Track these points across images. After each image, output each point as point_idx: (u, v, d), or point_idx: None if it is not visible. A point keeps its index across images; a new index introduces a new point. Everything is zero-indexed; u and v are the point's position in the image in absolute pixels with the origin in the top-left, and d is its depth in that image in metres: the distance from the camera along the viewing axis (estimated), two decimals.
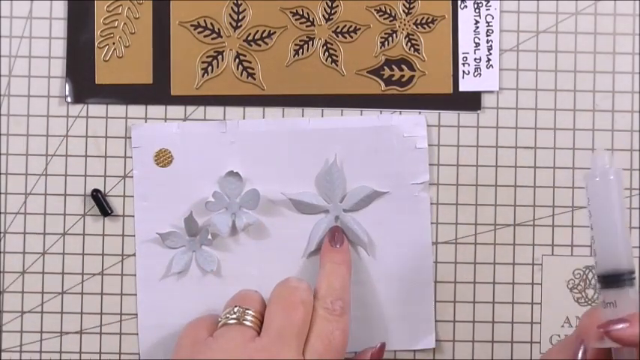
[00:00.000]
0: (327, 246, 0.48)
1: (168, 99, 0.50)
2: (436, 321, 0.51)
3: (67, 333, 0.50)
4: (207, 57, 0.50)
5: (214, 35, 0.50)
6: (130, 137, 0.50)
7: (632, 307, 0.38)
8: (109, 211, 0.50)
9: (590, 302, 0.51)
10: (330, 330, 0.44)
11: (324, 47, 0.51)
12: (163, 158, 0.50)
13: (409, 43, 0.51)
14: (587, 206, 0.40)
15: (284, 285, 0.45)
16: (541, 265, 0.51)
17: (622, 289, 0.39)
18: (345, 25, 0.51)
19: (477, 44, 0.51)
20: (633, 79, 0.51)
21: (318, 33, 0.51)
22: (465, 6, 0.51)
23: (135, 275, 0.50)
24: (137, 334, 0.50)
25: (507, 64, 0.51)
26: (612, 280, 0.39)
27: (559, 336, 0.51)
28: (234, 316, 0.44)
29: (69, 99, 0.50)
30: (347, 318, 0.45)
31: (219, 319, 0.45)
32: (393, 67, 0.51)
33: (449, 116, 0.51)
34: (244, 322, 0.43)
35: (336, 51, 0.51)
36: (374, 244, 0.50)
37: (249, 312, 0.44)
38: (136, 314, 0.50)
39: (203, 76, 0.50)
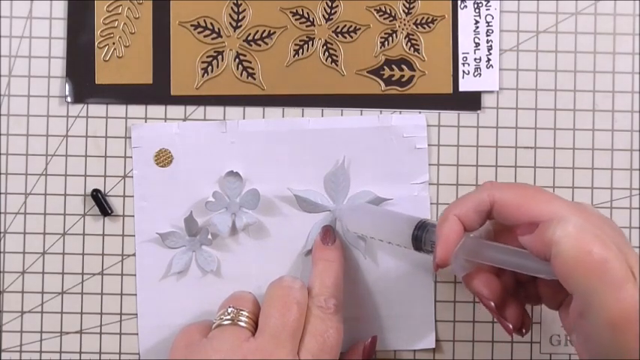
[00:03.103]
0: (319, 244, 0.48)
1: (169, 99, 0.50)
2: (436, 321, 0.51)
3: (67, 333, 0.50)
4: (207, 57, 0.50)
5: (214, 35, 0.50)
6: (130, 137, 0.50)
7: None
8: (109, 211, 0.50)
9: None
10: (325, 329, 0.44)
11: (324, 47, 0.51)
12: (163, 158, 0.50)
13: (409, 43, 0.51)
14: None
15: (278, 285, 0.45)
16: None
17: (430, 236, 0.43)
18: (345, 25, 0.51)
19: (477, 44, 0.51)
20: (633, 79, 0.51)
21: (318, 33, 0.51)
22: (465, 6, 0.51)
23: (135, 275, 0.50)
24: (137, 334, 0.50)
25: (507, 64, 0.51)
26: (418, 235, 0.44)
27: (559, 336, 0.51)
28: (228, 317, 0.44)
29: (69, 99, 0.50)
30: (340, 316, 0.45)
31: (214, 321, 0.45)
32: (393, 67, 0.51)
33: (449, 116, 0.51)
34: (239, 322, 0.43)
35: (336, 51, 0.51)
36: (374, 244, 0.50)
37: (244, 312, 0.44)
38: (136, 314, 0.50)
39: (203, 76, 0.50)
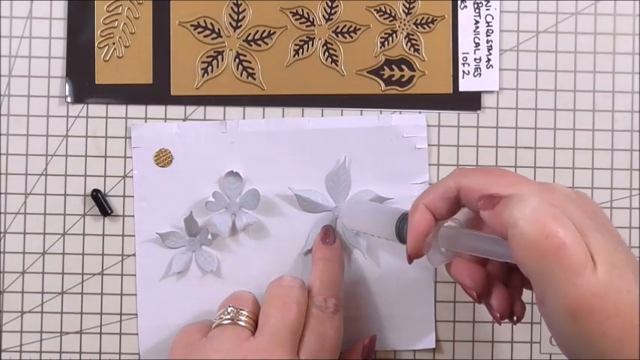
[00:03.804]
0: (318, 243, 0.48)
1: (169, 99, 0.50)
2: (436, 321, 0.51)
3: (67, 333, 0.50)
4: (207, 57, 0.50)
5: (214, 35, 0.50)
6: (130, 137, 0.50)
7: None
8: (109, 211, 0.50)
9: None
10: (324, 328, 0.44)
11: (324, 47, 0.51)
12: (163, 158, 0.50)
13: (409, 43, 0.51)
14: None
15: (278, 284, 0.45)
16: None
17: None
18: (345, 25, 0.51)
19: (477, 44, 0.51)
20: (633, 79, 0.51)
21: (318, 33, 0.51)
22: (465, 6, 0.51)
23: (135, 275, 0.50)
24: (137, 334, 0.50)
25: (507, 64, 0.51)
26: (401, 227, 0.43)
27: None
28: (228, 316, 0.44)
29: (69, 99, 0.50)
30: (340, 315, 0.45)
31: (214, 320, 0.45)
32: (393, 67, 0.51)
33: (449, 116, 0.51)
34: (238, 322, 0.43)
35: (336, 51, 0.51)
36: (374, 244, 0.50)
37: (243, 312, 0.44)
38: (136, 314, 0.50)
39: (203, 76, 0.50)
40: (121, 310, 0.50)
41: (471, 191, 0.38)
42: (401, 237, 0.43)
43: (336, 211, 0.50)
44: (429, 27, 0.51)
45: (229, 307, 0.44)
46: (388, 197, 0.49)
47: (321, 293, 0.45)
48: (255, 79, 0.50)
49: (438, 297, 0.51)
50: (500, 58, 0.51)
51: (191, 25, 0.50)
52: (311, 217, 0.50)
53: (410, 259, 0.40)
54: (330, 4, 0.51)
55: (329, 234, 0.48)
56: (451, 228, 0.41)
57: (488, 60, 0.51)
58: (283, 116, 0.51)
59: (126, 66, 0.50)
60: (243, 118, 0.51)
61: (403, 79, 0.51)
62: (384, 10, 0.51)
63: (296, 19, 0.51)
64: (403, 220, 0.43)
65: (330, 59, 0.51)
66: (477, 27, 0.51)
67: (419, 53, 0.51)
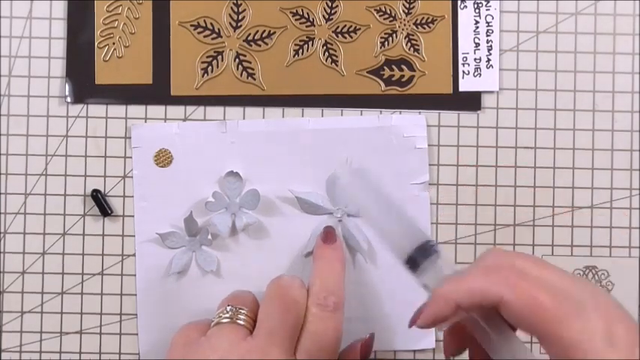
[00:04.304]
0: (320, 243, 0.47)
1: (169, 99, 0.50)
2: None
3: (67, 333, 0.50)
4: (207, 57, 0.50)
5: (214, 35, 0.50)
6: (130, 137, 0.50)
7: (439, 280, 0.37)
8: (109, 211, 0.50)
9: None
10: (323, 328, 0.43)
11: (324, 47, 0.51)
12: (163, 158, 0.50)
13: (409, 43, 0.51)
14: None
15: (277, 283, 0.45)
16: None
17: (428, 265, 0.38)
18: (345, 25, 0.51)
19: (477, 44, 0.51)
20: (633, 79, 0.51)
21: (318, 33, 0.51)
22: (465, 6, 0.51)
23: (135, 275, 0.50)
24: (137, 334, 0.50)
25: (507, 64, 0.51)
26: (415, 259, 0.38)
27: None
28: (227, 315, 0.44)
29: (69, 99, 0.50)
30: (340, 315, 0.44)
31: (213, 319, 0.45)
32: (393, 67, 0.51)
33: (449, 116, 0.51)
34: (237, 321, 0.43)
35: (336, 51, 0.51)
36: (375, 244, 0.50)
37: (243, 311, 0.44)
38: (136, 314, 0.50)
39: (203, 76, 0.50)
40: (120, 310, 0.50)
41: (516, 317, 0.35)
42: (410, 265, 0.39)
43: (337, 214, 0.50)
44: (429, 27, 0.51)
45: (228, 306, 0.44)
46: None
47: (322, 291, 0.44)
48: (255, 79, 0.50)
49: None
50: (500, 58, 0.51)
51: (191, 25, 0.50)
52: (311, 218, 0.50)
53: (412, 325, 0.38)
54: (330, 4, 0.51)
55: (331, 235, 0.48)
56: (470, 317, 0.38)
57: (488, 60, 0.51)
58: (283, 116, 0.51)
59: (126, 66, 0.50)
60: (243, 118, 0.51)
61: (403, 79, 0.51)
62: (384, 10, 0.51)
63: (296, 19, 0.51)
64: (423, 252, 0.38)
65: (330, 59, 0.51)
66: (477, 27, 0.51)
67: (419, 53, 0.51)
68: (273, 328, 0.42)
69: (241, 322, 0.43)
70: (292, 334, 0.42)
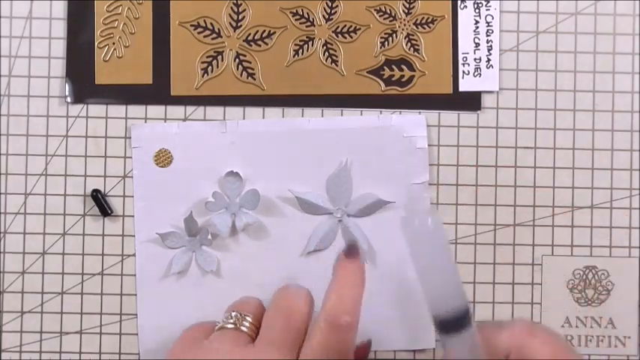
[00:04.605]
0: (342, 257, 0.43)
1: (168, 99, 0.50)
2: None
3: (67, 333, 0.50)
4: (207, 57, 0.50)
5: (214, 35, 0.50)
6: (130, 137, 0.50)
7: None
8: (109, 211, 0.50)
9: (590, 302, 0.51)
10: (328, 343, 0.40)
11: (324, 47, 0.51)
12: (163, 158, 0.50)
13: (409, 43, 0.51)
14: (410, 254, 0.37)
15: (282, 293, 0.44)
16: (541, 265, 0.51)
17: (461, 333, 0.37)
18: (345, 25, 0.51)
19: (477, 44, 0.51)
20: (633, 79, 0.51)
21: (318, 33, 0.51)
22: (465, 6, 0.51)
23: (135, 275, 0.50)
24: (137, 334, 0.50)
25: (507, 64, 0.51)
26: (451, 326, 0.37)
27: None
28: (232, 320, 0.43)
29: (69, 99, 0.50)
30: (352, 336, 0.41)
31: (217, 324, 0.44)
32: (393, 67, 0.51)
33: (449, 116, 0.51)
34: (241, 327, 0.43)
35: (336, 51, 0.51)
36: (374, 243, 0.50)
37: (248, 318, 0.43)
38: (136, 314, 0.50)
39: (203, 76, 0.50)
40: (120, 310, 0.50)
41: None
42: (440, 328, 0.37)
43: (337, 214, 0.50)
44: (429, 27, 0.51)
45: (234, 312, 0.44)
46: (390, 200, 0.49)
47: (335, 308, 0.41)
48: (255, 79, 0.50)
49: None
50: (500, 58, 0.51)
51: (191, 25, 0.50)
52: (311, 218, 0.50)
53: None
54: (330, 4, 0.51)
55: (353, 249, 0.43)
56: None
57: (488, 60, 0.51)
58: (283, 116, 0.51)
59: (126, 66, 0.50)
60: (243, 118, 0.51)
61: (403, 79, 0.51)
62: (384, 10, 0.51)
63: (296, 19, 0.51)
64: (457, 322, 0.36)
65: (330, 59, 0.51)
66: (477, 27, 0.51)
67: (419, 53, 0.51)
68: (275, 338, 0.42)
69: (245, 329, 0.43)
70: (293, 345, 0.42)
